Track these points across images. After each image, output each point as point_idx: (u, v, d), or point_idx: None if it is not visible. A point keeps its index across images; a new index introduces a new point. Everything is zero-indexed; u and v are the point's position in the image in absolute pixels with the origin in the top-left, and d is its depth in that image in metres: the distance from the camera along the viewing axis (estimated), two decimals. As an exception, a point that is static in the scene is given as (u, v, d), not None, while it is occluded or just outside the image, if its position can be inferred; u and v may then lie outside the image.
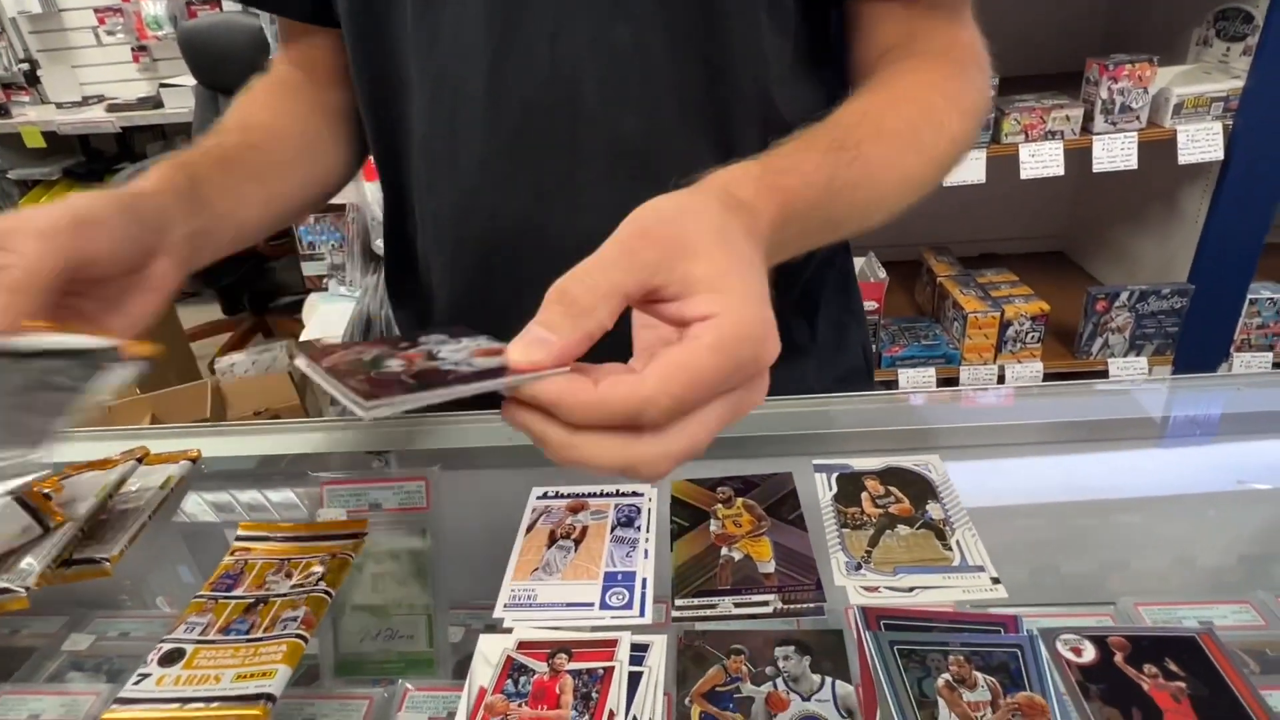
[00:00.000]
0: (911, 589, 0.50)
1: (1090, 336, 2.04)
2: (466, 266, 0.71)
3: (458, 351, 0.42)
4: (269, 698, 0.46)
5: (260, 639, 0.50)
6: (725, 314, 0.36)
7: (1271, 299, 2.05)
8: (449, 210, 0.69)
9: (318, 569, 0.56)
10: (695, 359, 0.36)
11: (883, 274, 2.03)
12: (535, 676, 0.47)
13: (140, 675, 0.48)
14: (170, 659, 0.49)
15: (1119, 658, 0.45)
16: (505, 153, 0.64)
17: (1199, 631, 0.46)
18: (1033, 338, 2.04)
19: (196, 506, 0.70)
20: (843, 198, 0.51)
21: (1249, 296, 2.03)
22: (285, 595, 0.54)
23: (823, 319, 0.76)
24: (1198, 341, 2.02)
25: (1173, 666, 0.44)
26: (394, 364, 0.40)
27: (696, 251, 0.38)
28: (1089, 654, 0.45)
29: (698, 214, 0.40)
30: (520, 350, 0.37)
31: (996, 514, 0.60)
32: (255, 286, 3.30)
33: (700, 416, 0.37)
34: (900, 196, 0.57)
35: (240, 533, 0.60)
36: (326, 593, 0.54)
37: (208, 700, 0.46)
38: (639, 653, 0.48)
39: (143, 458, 0.66)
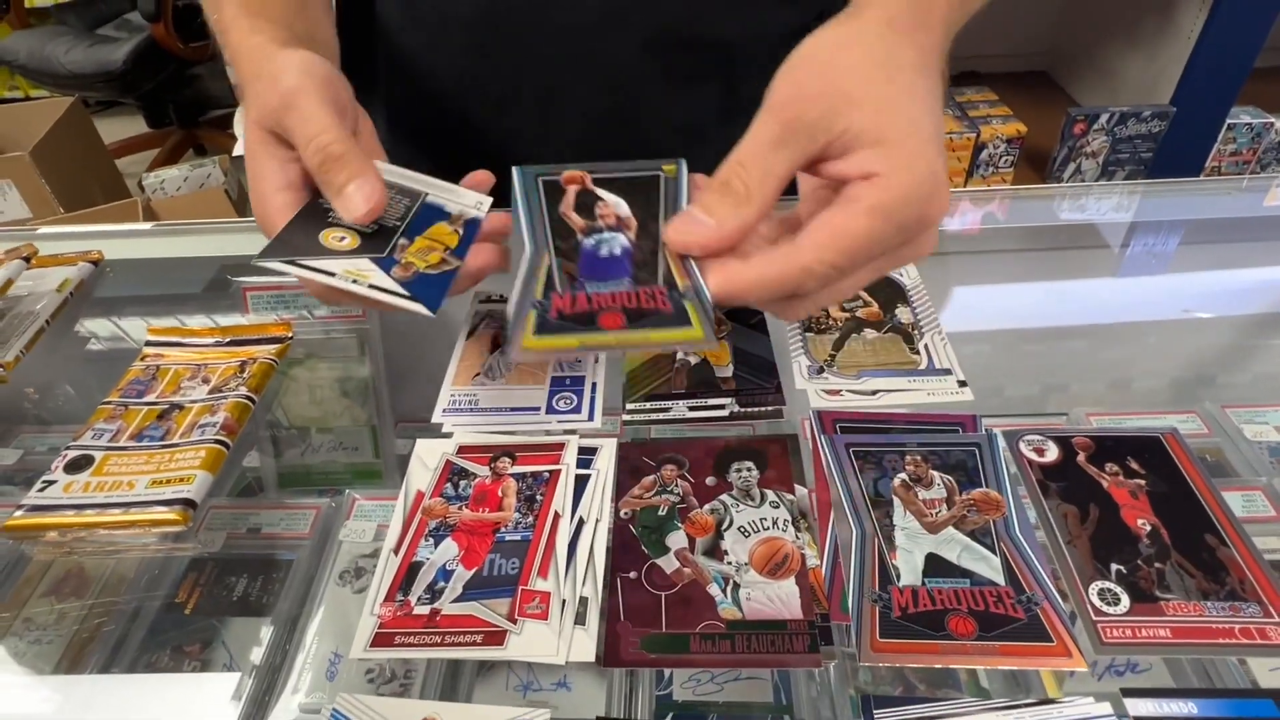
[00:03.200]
0: (875, 392, 0.47)
1: (1064, 161, 1.98)
2: (454, 50, 0.61)
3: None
4: (188, 503, 0.43)
5: (176, 444, 0.46)
6: (887, 174, 0.34)
7: (1249, 124, 1.99)
8: None
9: (238, 374, 0.51)
10: (853, 224, 0.34)
11: (859, 90, 1.91)
12: (476, 480, 0.44)
13: (45, 483, 0.45)
14: (77, 466, 0.45)
15: (1081, 457, 0.44)
16: None
17: (1163, 432, 0.45)
18: (1006, 161, 1.97)
19: (102, 313, 0.63)
20: None
21: (1227, 121, 1.97)
22: (202, 401, 0.49)
23: None
24: (1170, 167, 1.98)
25: (1134, 465, 0.43)
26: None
27: (857, 99, 0.34)
28: (1051, 454, 0.44)
29: (854, 53, 0.36)
30: (676, 230, 0.37)
31: (963, 323, 0.58)
32: (180, 96, 3.01)
33: (856, 275, 0.36)
34: None
35: (150, 338, 0.55)
36: (249, 398, 0.49)
37: (124, 506, 0.43)
38: (587, 456, 0.45)
39: (29, 257, 0.59)
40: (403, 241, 0.44)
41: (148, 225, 0.70)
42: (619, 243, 0.41)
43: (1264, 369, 0.62)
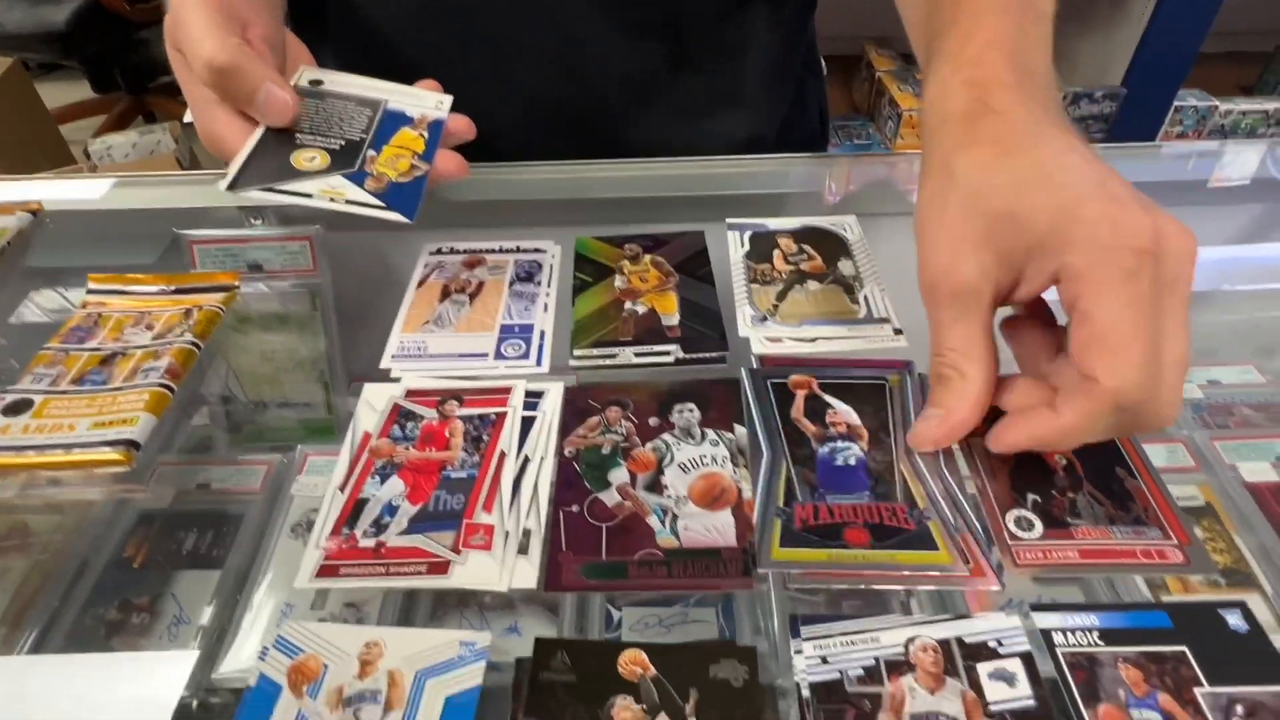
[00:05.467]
0: (814, 339, 0.49)
1: (1019, 140, 2.02)
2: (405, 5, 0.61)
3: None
4: (131, 444, 0.43)
5: (119, 388, 0.46)
6: (1117, 356, 0.33)
7: (1195, 106, 2.06)
8: None
9: (183, 321, 0.51)
10: (1100, 406, 0.34)
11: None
12: (424, 422, 0.45)
13: (-18, 425, 0.44)
14: (16, 409, 0.45)
15: (1006, 399, 0.46)
16: None
17: (1084, 376, 0.47)
18: (963, 139, 2.01)
19: (42, 263, 0.62)
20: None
21: (1174, 103, 2.03)
22: (146, 347, 0.49)
23: (782, 74, 0.70)
24: (1119, 147, 2.03)
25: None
26: None
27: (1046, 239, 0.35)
28: (978, 395, 0.46)
29: (1029, 178, 0.35)
30: (915, 435, 0.40)
31: (907, 279, 0.60)
32: (127, 61, 2.90)
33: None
34: None
35: (92, 285, 0.54)
36: (194, 344, 0.49)
37: (65, 447, 0.43)
38: (534, 399, 0.46)
39: (-36, 204, 0.57)
40: (371, 153, 0.45)
41: (91, 177, 0.69)
42: (854, 453, 0.42)
43: (1199, 341, 0.65)
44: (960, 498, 0.40)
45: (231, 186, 0.42)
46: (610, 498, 0.41)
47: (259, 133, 0.45)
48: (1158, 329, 0.33)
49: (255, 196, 0.41)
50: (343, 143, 0.45)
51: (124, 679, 0.37)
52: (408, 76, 0.66)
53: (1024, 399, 0.38)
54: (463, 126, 0.50)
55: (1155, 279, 0.33)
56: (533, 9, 0.60)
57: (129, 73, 2.98)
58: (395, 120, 0.47)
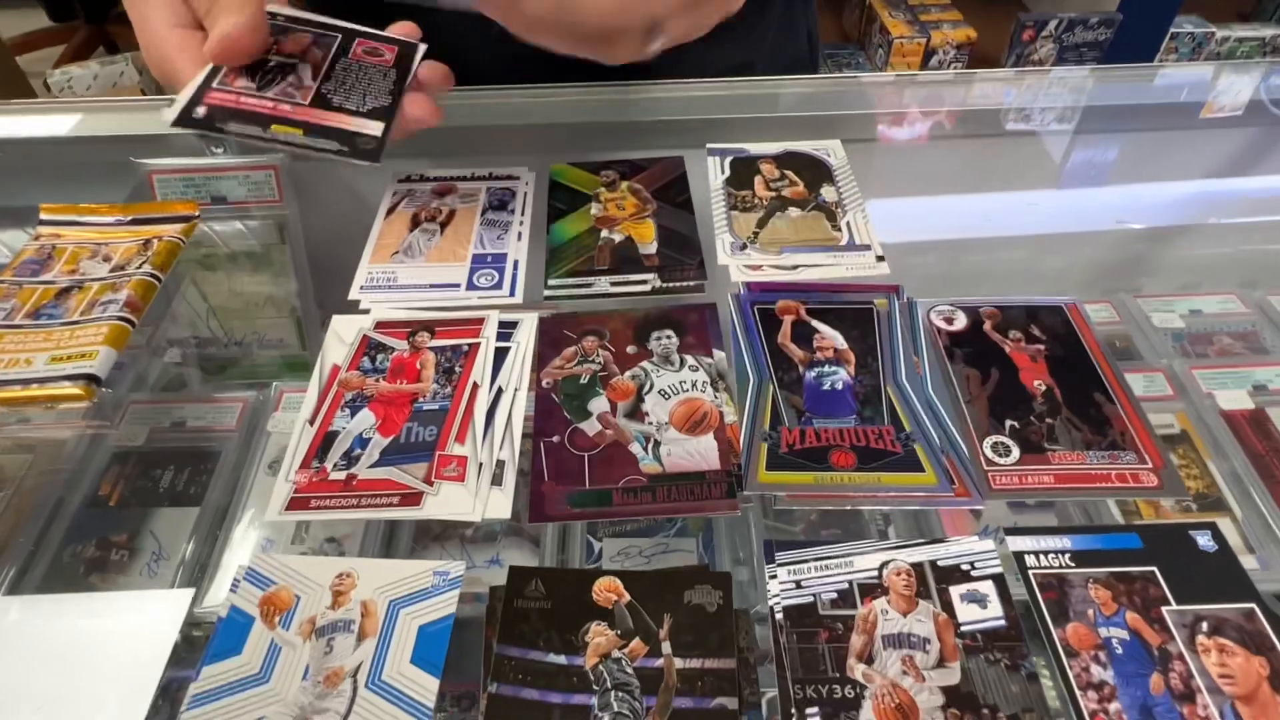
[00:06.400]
0: (795, 267, 0.48)
1: (1011, 67, 1.97)
2: None
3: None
4: (92, 378, 0.41)
5: (77, 322, 0.44)
6: None
7: (1191, 33, 2.01)
8: None
9: (141, 253, 0.49)
10: None
11: (810, -10, 1.85)
12: (394, 354, 0.44)
13: (-65, 361, 0.42)
14: (-30, 344, 0.43)
15: (987, 325, 0.45)
16: None
17: (1066, 302, 0.47)
18: (955, 67, 1.96)
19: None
20: None
21: (1170, 30, 1.98)
22: (104, 279, 0.47)
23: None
24: (1113, 76, 1.99)
25: (1036, 332, 0.45)
26: None
27: None
28: (960, 323, 0.45)
29: None
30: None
31: (890, 205, 0.58)
32: (84, -13, 2.76)
33: None
34: None
35: (44, 216, 0.52)
36: (154, 276, 0.47)
37: (23, 382, 0.42)
38: (507, 330, 0.45)
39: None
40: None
41: (41, 101, 0.65)
42: (840, 377, 0.41)
43: (1185, 274, 0.64)
44: (946, 420, 0.39)
45: (181, 121, 0.40)
46: (591, 427, 0.40)
47: (210, 65, 0.43)
48: None
49: (204, 130, 0.39)
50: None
51: (121, 618, 0.37)
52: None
53: None
54: (437, 76, 0.47)
55: None
56: None
57: (89, 2, 2.84)
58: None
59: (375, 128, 0.43)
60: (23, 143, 0.62)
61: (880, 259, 0.48)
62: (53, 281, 0.47)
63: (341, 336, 0.45)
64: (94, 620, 0.37)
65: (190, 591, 0.38)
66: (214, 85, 0.43)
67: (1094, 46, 1.96)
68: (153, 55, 0.43)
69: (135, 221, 0.51)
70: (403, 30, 0.49)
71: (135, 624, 0.36)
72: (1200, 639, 0.32)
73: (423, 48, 0.48)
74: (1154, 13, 1.94)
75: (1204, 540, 0.35)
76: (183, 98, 0.42)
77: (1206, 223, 0.69)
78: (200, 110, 0.41)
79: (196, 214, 0.52)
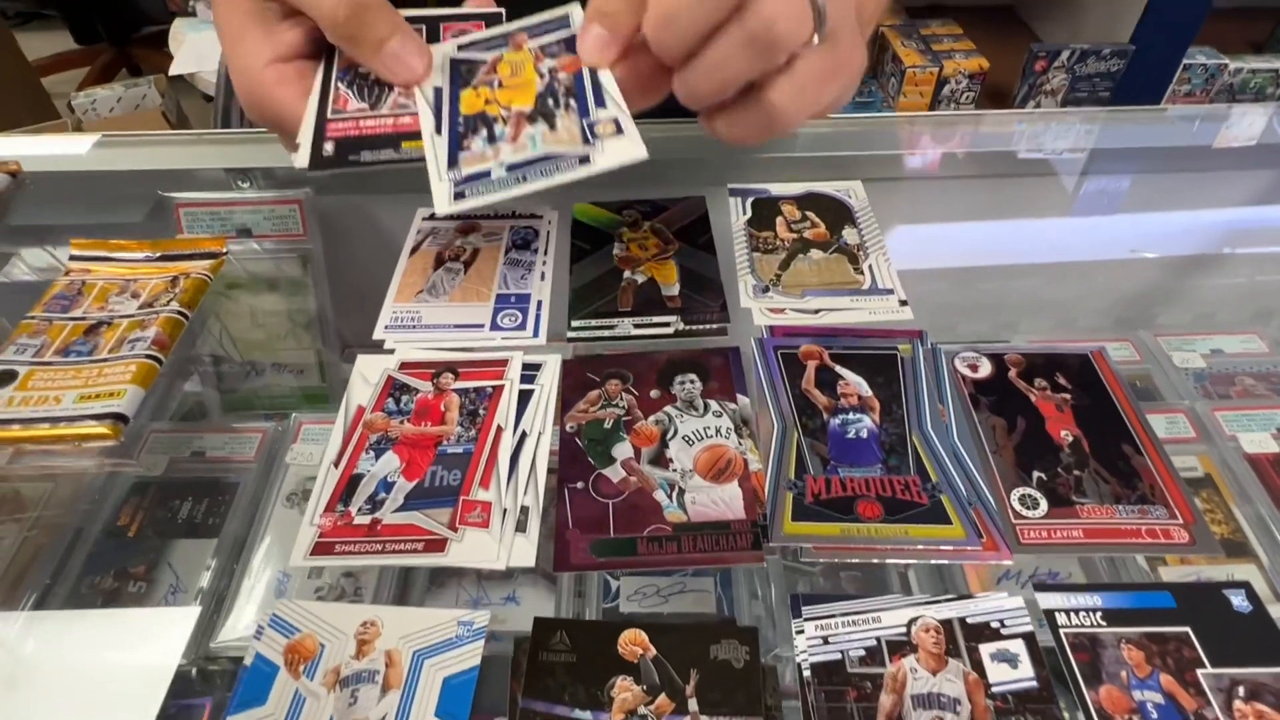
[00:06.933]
0: (818, 311, 0.48)
1: (1024, 98, 1.98)
2: None
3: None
4: (119, 417, 0.42)
5: (105, 359, 0.45)
6: None
7: (1204, 65, 2.01)
8: None
9: (169, 290, 0.49)
10: None
11: (824, 20, 1.87)
12: (418, 395, 0.44)
13: (-34, 398, 0.43)
14: (0, 381, 0.44)
15: (1012, 373, 0.45)
16: None
17: (1091, 350, 0.47)
18: (967, 97, 1.97)
19: (21, 227, 0.60)
20: None
21: (1183, 61, 1.99)
22: (132, 316, 0.47)
23: None
24: (1126, 106, 2.00)
25: (1061, 381, 0.44)
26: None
27: None
28: (985, 370, 0.45)
29: None
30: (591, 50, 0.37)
31: (913, 245, 0.58)
32: (109, 9, 2.82)
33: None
34: None
35: (74, 251, 0.52)
36: (181, 313, 0.48)
37: (51, 420, 0.42)
38: (531, 371, 0.45)
39: (-61, 165, 0.55)
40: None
41: (73, 136, 0.66)
42: (865, 425, 0.41)
43: (1202, 304, 0.64)
44: (973, 470, 0.39)
45: (313, 165, 0.38)
46: (615, 473, 0.40)
47: (316, 91, 0.40)
48: None
49: (340, 169, 0.38)
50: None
51: (127, 636, 0.37)
52: None
53: None
54: None
55: None
56: None
57: (111, 23, 2.91)
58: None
59: None
60: (56, 175, 0.63)
61: (903, 303, 0.48)
62: (82, 318, 0.48)
63: (366, 377, 0.45)
64: (99, 639, 0.37)
65: (195, 610, 0.38)
66: (329, 116, 0.40)
67: (1106, 77, 1.97)
68: (249, 94, 0.40)
69: (164, 258, 0.52)
70: (479, 2, 0.45)
71: (140, 642, 0.36)
72: (1237, 704, 0.31)
73: (502, 13, 0.45)
74: (1167, 44, 1.94)
75: (1238, 600, 0.35)
76: (305, 138, 0.39)
77: (1224, 253, 0.69)
78: (329, 147, 0.39)
79: (224, 250, 0.53)
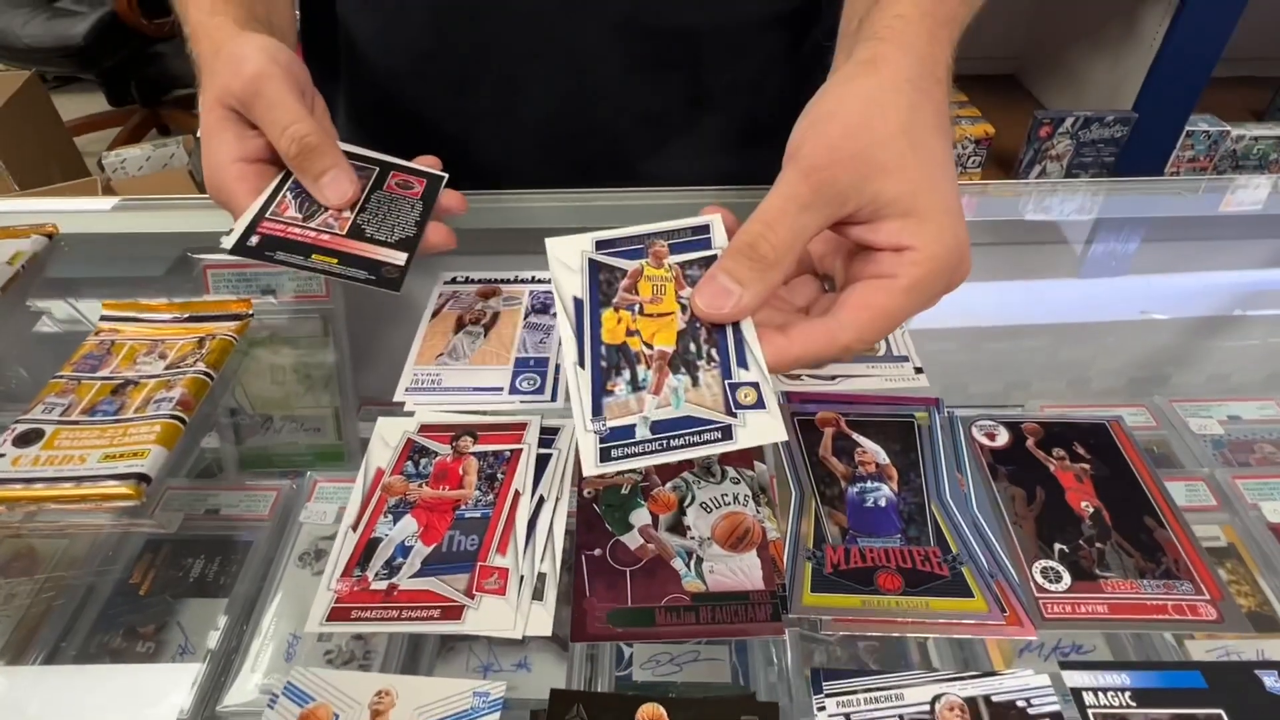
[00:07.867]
0: (833, 377, 0.48)
1: (1030, 163, 2.02)
2: (413, 32, 0.61)
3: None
4: (142, 477, 0.42)
5: (130, 419, 0.45)
6: (921, 248, 0.35)
7: (1207, 131, 2.05)
8: None
9: (196, 350, 0.50)
10: (892, 303, 0.35)
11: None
12: (437, 458, 0.44)
13: (-7, 456, 0.44)
14: (26, 439, 0.44)
15: (1030, 442, 0.45)
16: None
17: (1109, 420, 0.47)
18: (974, 162, 2.01)
19: (56, 288, 0.62)
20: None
21: (1186, 128, 2.03)
22: (158, 377, 0.48)
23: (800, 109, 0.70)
24: (1132, 171, 2.03)
25: (1080, 450, 0.44)
26: None
27: (889, 167, 0.35)
28: (1002, 438, 0.45)
29: (884, 115, 0.36)
30: (707, 302, 0.37)
31: (928, 318, 0.59)
32: (142, 74, 2.93)
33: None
34: None
35: (105, 312, 0.54)
36: (207, 374, 0.49)
37: (75, 480, 0.42)
38: (549, 436, 0.45)
39: (-22, 227, 0.57)
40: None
41: (105, 199, 0.69)
42: (884, 494, 0.42)
43: (1215, 366, 0.64)
44: (994, 542, 0.39)
45: (235, 249, 0.45)
46: (633, 540, 0.40)
47: (266, 193, 0.47)
48: (905, 313, 0.36)
49: (254, 258, 0.45)
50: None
51: (128, 692, 0.37)
52: (416, 109, 0.65)
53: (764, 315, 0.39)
54: (455, 203, 0.52)
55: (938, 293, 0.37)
56: (544, 45, 0.60)
57: (144, 85, 3.02)
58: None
59: (400, 257, 0.47)
60: (88, 236, 0.65)
61: (919, 370, 0.48)
62: (109, 377, 0.49)
63: (386, 440, 0.45)
64: (99, 694, 0.36)
65: (197, 666, 0.37)
66: (267, 215, 0.46)
67: (1111, 143, 2.01)
68: (212, 181, 0.47)
69: (191, 319, 0.53)
70: (428, 163, 0.53)
71: (140, 699, 0.36)
72: (1275, 793, 0.30)
73: (445, 177, 0.53)
74: (1169, 111, 1.99)
75: (1270, 680, 0.34)
76: (240, 226, 0.45)
77: (1236, 316, 0.69)
78: (254, 239, 0.45)
79: (250, 312, 0.54)
